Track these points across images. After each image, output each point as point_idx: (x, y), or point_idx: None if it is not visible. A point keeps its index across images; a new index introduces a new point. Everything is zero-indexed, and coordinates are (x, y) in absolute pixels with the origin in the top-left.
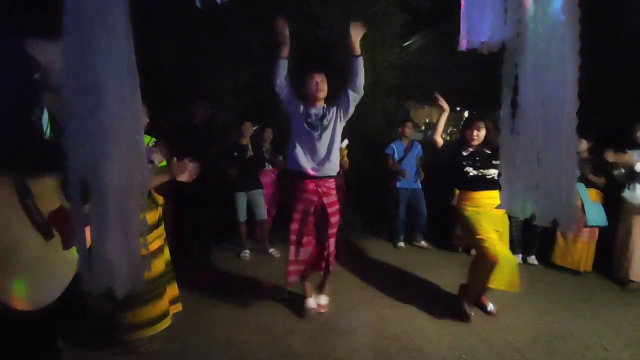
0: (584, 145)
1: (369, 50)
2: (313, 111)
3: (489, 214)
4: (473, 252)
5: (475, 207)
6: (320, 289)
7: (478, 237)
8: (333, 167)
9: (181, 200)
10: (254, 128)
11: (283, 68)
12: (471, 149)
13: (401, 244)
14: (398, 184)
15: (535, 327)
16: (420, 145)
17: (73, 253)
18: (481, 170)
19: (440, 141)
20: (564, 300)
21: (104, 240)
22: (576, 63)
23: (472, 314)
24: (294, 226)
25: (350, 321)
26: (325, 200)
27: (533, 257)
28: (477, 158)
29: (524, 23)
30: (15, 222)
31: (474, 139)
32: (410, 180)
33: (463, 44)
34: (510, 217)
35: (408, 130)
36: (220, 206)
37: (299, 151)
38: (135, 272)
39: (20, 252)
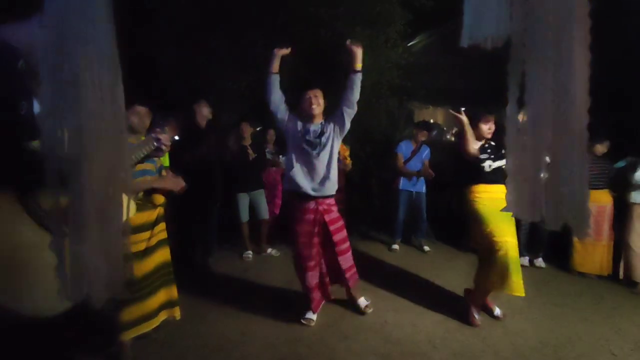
0: (601, 148)
1: (373, 50)
2: (312, 128)
3: (500, 207)
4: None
5: (490, 201)
6: (353, 299)
7: (495, 238)
8: (332, 185)
9: (184, 201)
10: (257, 129)
11: (275, 84)
12: (481, 142)
13: (396, 246)
14: (401, 186)
15: (542, 332)
16: (429, 149)
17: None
18: (499, 162)
19: (475, 149)
20: (572, 304)
21: (81, 244)
22: (587, 58)
23: (480, 319)
24: (303, 252)
25: (352, 325)
26: (327, 217)
27: (540, 259)
28: (490, 150)
29: (532, 16)
30: (21, 228)
31: (489, 132)
32: (413, 182)
33: (465, 40)
34: (517, 217)
35: (422, 137)
36: (223, 207)
37: (298, 171)
38: (113, 279)
39: (36, 255)
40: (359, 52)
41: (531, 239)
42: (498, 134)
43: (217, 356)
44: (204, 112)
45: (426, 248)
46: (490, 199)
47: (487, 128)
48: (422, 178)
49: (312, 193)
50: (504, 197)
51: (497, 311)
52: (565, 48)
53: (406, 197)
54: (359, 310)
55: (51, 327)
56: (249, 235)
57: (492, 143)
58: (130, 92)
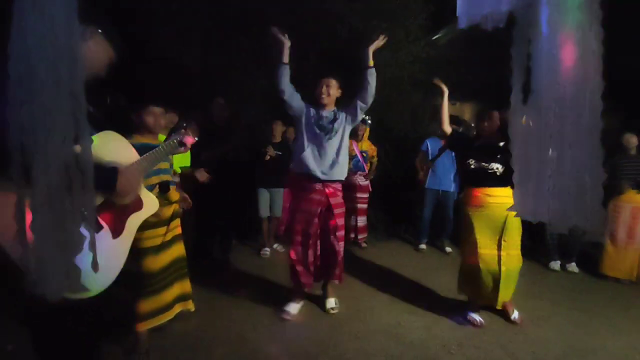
0: (634, 140)
1: (392, 45)
2: (324, 114)
3: (490, 216)
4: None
5: (478, 207)
6: (325, 293)
7: (472, 248)
8: (341, 170)
9: (203, 197)
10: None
11: (285, 74)
12: (482, 141)
13: (423, 246)
14: (427, 184)
15: (566, 341)
16: None
17: (123, 243)
18: (483, 164)
19: (449, 130)
20: (600, 311)
21: (39, 240)
22: (600, 36)
23: (481, 319)
24: (301, 227)
25: (364, 325)
26: (332, 200)
27: (573, 264)
28: (482, 150)
29: None
30: None
31: (485, 130)
32: (439, 180)
33: (463, 21)
34: None
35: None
36: (243, 203)
37: (308, 154)
38: (69, 275)
39: None
40: (371, 49)
41: (563, 242)
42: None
43: (229, 349)
44: (219, 111)
45: (448, 249)
46: (478, 204)
47: (485, 124)
48: (450, 176)
49: (321, 176)
50: (495, 200)
51: (515, 315)
52: (575, 26)
53: (433, 195)
54: (324, 308)
55: (68, 316)
56: (268, 232)
57: (498, 144)
58: (150, 92)
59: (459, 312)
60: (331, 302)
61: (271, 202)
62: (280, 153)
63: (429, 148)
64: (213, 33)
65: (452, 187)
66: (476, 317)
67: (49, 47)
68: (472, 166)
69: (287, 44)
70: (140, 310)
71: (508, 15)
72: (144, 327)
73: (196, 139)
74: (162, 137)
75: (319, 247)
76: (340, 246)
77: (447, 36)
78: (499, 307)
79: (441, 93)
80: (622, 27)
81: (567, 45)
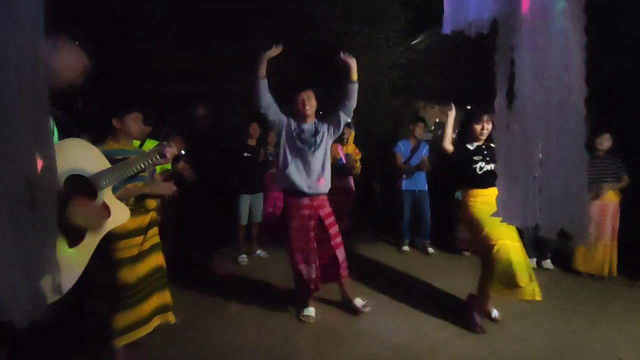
0: (605, 141)
1: (371, 50)
2: (305, 127)
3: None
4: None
5: (484, 205)
6: (347, 298)
7: (490, 242)
8: (327, 183)
9: (182, 205)
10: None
11: (264, 88)
12: (477, 144)
13: (406, 247)
14: (403, 186)
15: (548, 338)
16: (428, 146)
17: (81, 253)
18: (493, 165)
19: (450, 148)
20: (579, 308)
21: None
22: (582, 42)
23: (484, 325)
24: (299, 246)
25: (350, 330)
26: (322, 212)
27: (548, 261)
28: (486, 152)
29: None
30: None
31: (482, 133)
32: (414, 181)
33: (447, 27)
34: None
35: (419, 130)
36: (221, 210)
37: (293, 169)
38: (35, 299)
39: None
40: (353, 63)
41: (538, 239)
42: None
43: None
44: (200, 116)
45: (430, 250)
46: (484, 203)
47: (480, 128)
48: (422, 176)
49: (308, 190)
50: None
51: (495, 313)
52: (558, 31)
53: (410, 197)
54: (355, 311)
55: (41, 333)
56: (244, 239)
57: (491, 145)
58: (130, 96)
59: (443, 312)
60: (359, 302)
61: (252, 206)
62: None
63: (402, 150)
64: (192, 36)
65: (425, 187)
66: (479, 321)
67: (11, 52)
68: (485, 169)
69: (268, 56)
70: (117, 325)
71: (491, 21)
72: (120, 342)
73: (182, 152)
74: (136, 142)
75: (318, 259)
76: (340, 252)
77: (425, 42)
78: (539, 297)
79: (448, 113)
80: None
81: (551, 52)
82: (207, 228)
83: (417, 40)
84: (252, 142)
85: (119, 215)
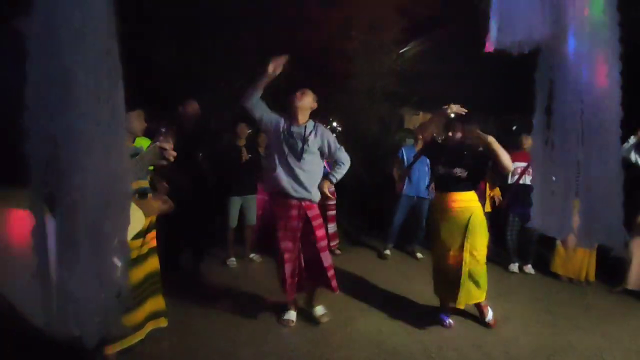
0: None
1: (367, 55)
2: (295, 129)
3: (454, 219)
4: None
5: (440, 212)
6: (312, 302)
7: (437, 251)
8: (316, 193)
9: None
10: (249, 132)
11: (256, 96)
12: (448, 149)
13: (387, 252)
14: (405, 191)
15: (535, 340)
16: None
17: None
18: (448, 169)
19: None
20: (563, 312)
21: (71, 273)
22: (618, 69)
23: (450, 321)
24: (283, 246)
25: (346, 334)
26: (310, 213)
27: (529, 266)
28: (447, 155)
29: (563, 23)
30: None
31: (452, 140)
32: (416, 187)
33: (492, 45)
34: (505, 224)
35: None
36: (212, 212)
37: (280, 173)
38: (109, 312)
39: None
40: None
41: (520, 246)
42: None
43: None
44: (189, 114)
45: (419, 255)
46: (441, 209)
47: (451, 135)
48: (425, 183)
49: (295, 194)
50: (458, 205)
51: (490, 317)
52: (598, 56)
53: (407, 202)
54: (314, 318)
55: (33, 339)
56: (233, 242)
57: (464, 151)
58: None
59: (433, 315)
60: (320, 310)
61: (244, 209)
62: (250, 156)
63: (404, 156)
64: (188, 36)
65: (427, 194)
66: (446, 318)
67: (88, 46)
68: (440, 171)
69: (272, 70)
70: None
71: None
72: (112, 349)
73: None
74: (146, 141)
75: (302, 260)
76: (325, 256)
77: (412, 50)
78: (460, 306)
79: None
80: None
81: (590, 75)
82: (196, 230)
83: (406, 48)
84: (241, 142)
85: (137, 222)
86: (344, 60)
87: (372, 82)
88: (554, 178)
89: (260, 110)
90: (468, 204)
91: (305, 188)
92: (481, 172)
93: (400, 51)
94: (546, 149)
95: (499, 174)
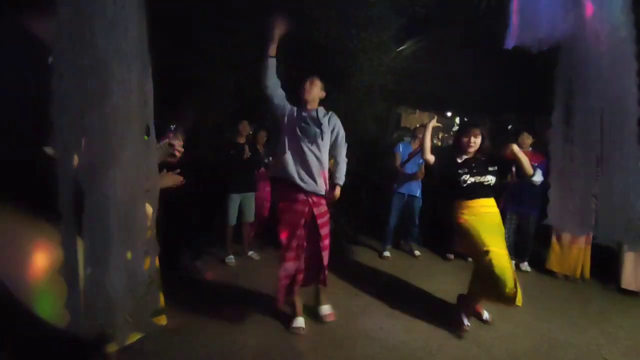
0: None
1: (366, 53)
2: (305, 115)
3: (487, 222)
4: (470, 259)
5: (473, 216)
6: (318, 301)
7: (482, 249)
8: (322, 184)
9: (171, 204)
10: (251, 131)
11: (272, 68)
12: (466, 157)
13: (387, 253)
14: (397, 189)
15: (534, 337)
16: None
17: None
18: (478, 177)
19: (431, 159)
20: (560, 309)
21: (102, 268)
22: (635, 68)
23: (469, 324)
24: (285, 240)
25: (347, 331)
26: (316, 211)
27: (526, 263)
28: (473, 164)
29: (583, 22)
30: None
31: (470, 146)
32: (407, 185)
33: (512, 41)
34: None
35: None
36: (210, 209)
37: (288, 157)
38: (138, 310)
39: None
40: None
41: (516, 243)
42: (483, 147)
43: None
44: (184, 117)
45: (417, 253)
46: (471, 214)
47: (467, 141)
48: (417, 181)
49: (302, 185)
50: (485, 210)
51: (486, 315)
52: (617, 56)
53: (400, 200)
54: (319, 318)
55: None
56: (232, 239)
57: (482, 158)
58: None
59: (434, 314)
60: (326, 309)
61: (242, 206)
62: (250, 154)
63: (401, 152)
64: (183, 32)
65: (418, 192)
66: (466, 321)
67: (121, 35)
68: (468, 182)
69: (277, 33)
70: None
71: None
72: (113, 347)
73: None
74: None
75: (303, 258)
76: (326, 254)
77: (410, 49)
78: (519, 303)
79: (425, 125)
80: None
81: (610, 74)
82: (195, 228)
83: (404, 46)
84: (241, 140)
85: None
86: (341, 58)
87: (370, 81)
88: (571, 174)
89: (279, 96)
90: (494, 209)
91: (311, 176)
92: (503, 179)
93: (398, 49)
94: (565, 146)
95: (521, 177)
